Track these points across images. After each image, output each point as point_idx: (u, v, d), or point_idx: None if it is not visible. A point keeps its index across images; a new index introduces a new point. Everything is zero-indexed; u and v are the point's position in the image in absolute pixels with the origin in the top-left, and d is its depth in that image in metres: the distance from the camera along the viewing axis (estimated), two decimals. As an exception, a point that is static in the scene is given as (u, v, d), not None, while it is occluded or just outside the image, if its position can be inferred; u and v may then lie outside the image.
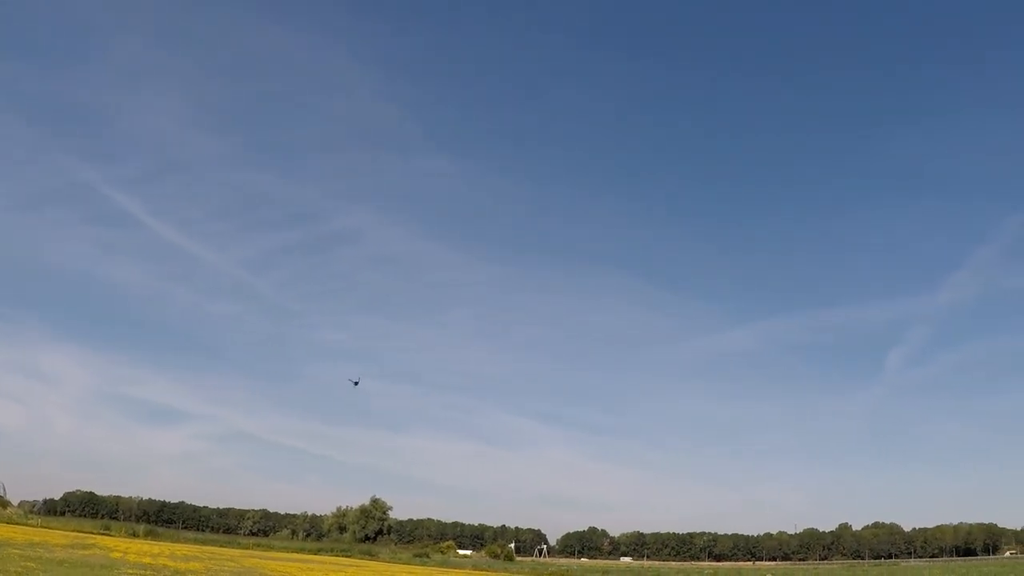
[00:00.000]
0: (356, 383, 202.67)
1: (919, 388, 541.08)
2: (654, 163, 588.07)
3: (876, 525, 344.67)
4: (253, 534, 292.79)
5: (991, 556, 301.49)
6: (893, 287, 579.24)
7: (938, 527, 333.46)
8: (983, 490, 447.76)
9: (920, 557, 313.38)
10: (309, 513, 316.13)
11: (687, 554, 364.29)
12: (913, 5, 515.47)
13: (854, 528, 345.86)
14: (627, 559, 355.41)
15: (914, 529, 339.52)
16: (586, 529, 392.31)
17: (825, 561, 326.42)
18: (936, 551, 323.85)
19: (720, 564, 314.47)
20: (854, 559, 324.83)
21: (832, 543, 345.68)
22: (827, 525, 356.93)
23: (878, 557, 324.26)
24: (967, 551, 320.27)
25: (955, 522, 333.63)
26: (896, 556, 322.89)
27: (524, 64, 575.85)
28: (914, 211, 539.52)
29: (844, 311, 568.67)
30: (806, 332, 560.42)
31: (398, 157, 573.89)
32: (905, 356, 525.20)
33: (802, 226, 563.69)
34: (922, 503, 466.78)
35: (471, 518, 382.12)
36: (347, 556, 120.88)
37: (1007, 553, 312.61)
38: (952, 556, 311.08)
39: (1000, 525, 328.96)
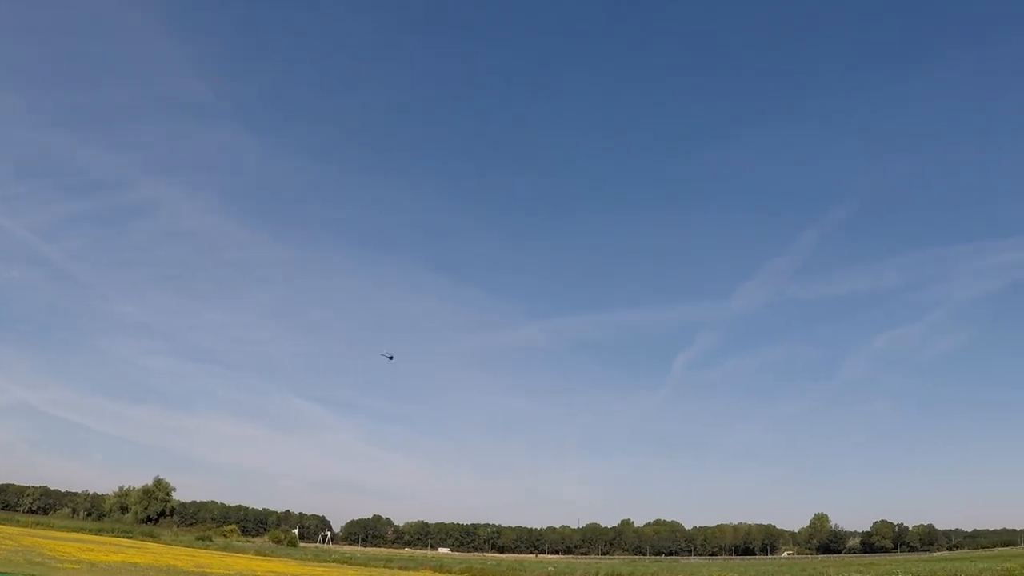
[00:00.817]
0: (391, 358, 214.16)
1: (705, 391, 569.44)
2: (455, 155, 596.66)
3: (658, 522, 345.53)
4: (32, 512, 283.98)
5: (769, 556, 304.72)
6: (687, 292, 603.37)
7: (718, 526, 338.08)
8: (762, 492, 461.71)
9: (700, 555, 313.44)
10: (91, 492, 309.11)
11: (471, 545, 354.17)
12: (724, 19, 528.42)
13: (636, 525, 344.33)
14: (409, 549, 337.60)
15: (695, 527, 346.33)
16: (371, 517, 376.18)
17: (607, 556, 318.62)
18: (715, 550, 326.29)
19: (503, 556, 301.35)
20: (635, 555, 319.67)
21: (614, 539, 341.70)
22: (610, 521, 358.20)
23: (659, 554, 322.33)
24: (746, 550, 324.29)
25: (735, 522, 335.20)
26: (676, 553, 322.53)
27: (332, 46, 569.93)
28: (714, 220, 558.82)
29: (637, 313, 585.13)
30: (598, 331, 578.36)
31: (202, 132, 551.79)
32: (693, 359, 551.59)
33: (602, 228, 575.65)
34: (703, 502, 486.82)
35: (256, 502, 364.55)
36: (128, 537, 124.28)
37: (784, 554, 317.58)
38: (731, 555, 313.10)
39: (778, 527, 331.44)
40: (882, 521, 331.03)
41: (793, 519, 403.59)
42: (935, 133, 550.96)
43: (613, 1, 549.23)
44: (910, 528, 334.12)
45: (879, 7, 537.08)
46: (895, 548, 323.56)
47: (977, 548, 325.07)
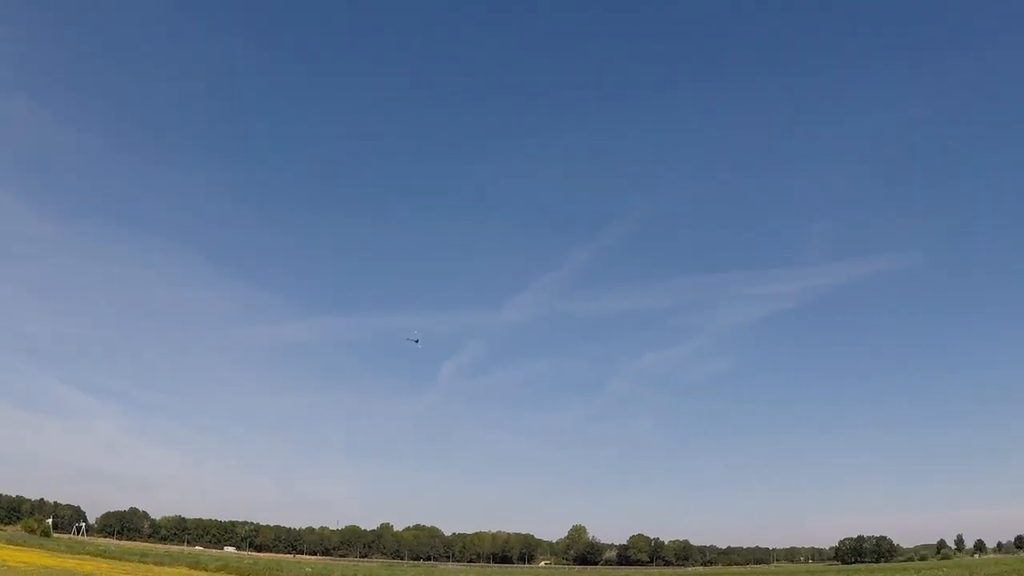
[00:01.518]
0: (416, 341, 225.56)
1: (471, 399, 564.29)
2: (240, 149, 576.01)
3: (417, 527, 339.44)
4: None
5: (526, 565, 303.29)
6: (458, 300, 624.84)
7: (477, 533, 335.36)
8: (523, 501, 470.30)
9: (458, 561, 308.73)
10: None
11: (228, 542, 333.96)
12: (515, 32, 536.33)
13: (396, 529, 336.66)
14: (165, 545, 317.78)
15: (454, 534, 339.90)
16: (127, 510, 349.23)
17: (365, 559, 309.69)
18: (474, 556, 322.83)
19: (261, 555, 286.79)
20: (394, 559, 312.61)
21: (373, 542, 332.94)
22: (369, 524, 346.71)
23: (417, 559, 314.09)
24: (504, 559, 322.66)
25: (494, 530, 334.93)
26: (435, 559, 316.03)
27: (122, 23, 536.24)
28: (491, 232, 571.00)
29: (407, 317, 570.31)
30: (367, 333, 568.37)
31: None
32: (461, 367, 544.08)
33: (380, 232, 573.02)
34: (464, 509, 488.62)
35: (8, 489, 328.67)
36: None
37: (542, 563, 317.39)
38: (489, 563, 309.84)
39: (537, 536, 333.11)
40: (639, 535, 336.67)
41: (552, 530, 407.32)
42: (710, 163, 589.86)
43: (405, 7, 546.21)
44: (666, 543, 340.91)
45: (665, 34, 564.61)
46: (651, 562, 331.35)
47: (731, 564, 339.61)
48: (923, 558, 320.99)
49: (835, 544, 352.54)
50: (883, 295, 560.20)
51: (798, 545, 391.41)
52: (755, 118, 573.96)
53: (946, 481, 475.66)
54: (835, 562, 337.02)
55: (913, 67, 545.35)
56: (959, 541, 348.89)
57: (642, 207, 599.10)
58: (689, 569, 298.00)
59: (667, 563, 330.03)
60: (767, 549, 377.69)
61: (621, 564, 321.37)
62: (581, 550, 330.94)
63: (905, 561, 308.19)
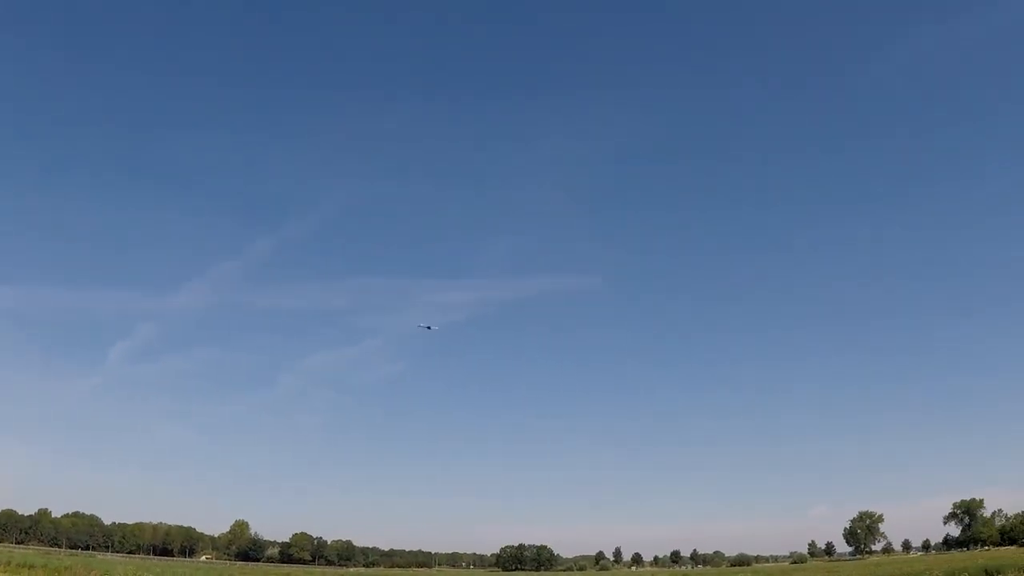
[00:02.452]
0: (429, 328, 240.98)
1: (137, 385, 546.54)
2: None
3: (76, 515, 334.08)
4: None
5: (187, 559, 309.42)
6: (132, 280, 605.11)
7: (137, 524, 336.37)
8: (186, 493, 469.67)
9: (118, 552, 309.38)
10: None
11: None
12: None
13: (54, 515, 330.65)
14: None
15: (114, 523, 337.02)
16: None
17: (21, 545, 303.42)
18: (134, 548, 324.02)
19: None
20: (52, 547, 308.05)
21: (30, 528, 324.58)
22: (27, 509, 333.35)
23: (76, 547, 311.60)
24: (164, 551, 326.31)
25: (155, 521, 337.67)
26: (94, 548, 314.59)
27: None
28: (171, 215, 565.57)
29: (74, 292, 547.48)
30: (30, 305, 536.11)
31: None
32: (129, 351, 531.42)
33: (45, 203, 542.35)
34: (126, 499, 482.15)
35: None
36: None
37: (203, 557, 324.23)
38: (149, 555, 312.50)
39: (199, 530, 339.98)
40: (302, 533, 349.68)
41: (215, 524, 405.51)
42: (403, 168, 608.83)
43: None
44: (329, 542, 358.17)
45: (372, 40, 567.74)
46: (313, 560, 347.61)
47: (393, 567, 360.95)
48: (582, 568, 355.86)
49: (497, 551, 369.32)
50: (558, 312, 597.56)
51: (461, 550, 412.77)
52: (454, 131, 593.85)
53: (608, 496, 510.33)
54: (496, 569, 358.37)
55: (615, 97, 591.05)
56: (617, 553, 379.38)
57: (328, 205, 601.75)
58: (351, 570, 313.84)
59: (329, 563, 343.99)
60: (430, 553, 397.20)
61: (283, 562, 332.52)
62: (244, 546, 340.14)
63: (564, 571, 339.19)
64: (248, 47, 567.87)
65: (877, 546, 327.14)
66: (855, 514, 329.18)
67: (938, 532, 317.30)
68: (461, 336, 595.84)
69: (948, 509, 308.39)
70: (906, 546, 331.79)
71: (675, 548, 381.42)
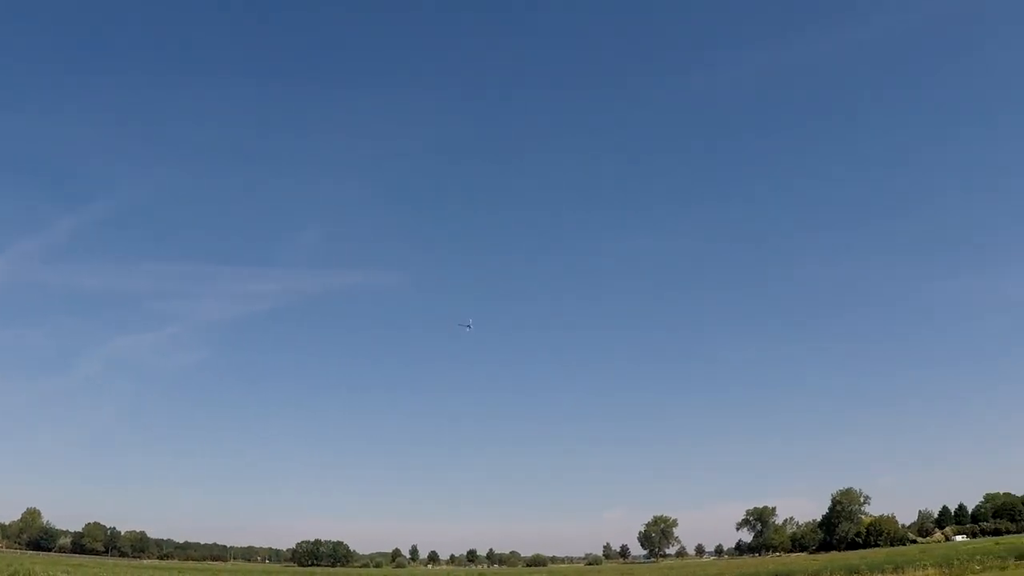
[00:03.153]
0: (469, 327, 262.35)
1: None
2: None
3: None
4: None
5: None
6: None
7: None
8: None
9: None
10: None
11: None
12: None
13: None
14: None
15: None
16: None
17: None
18: None
19: None
20: None
21: None
22: None
23: None
24: None
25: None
26: None
27: None
28: None
29: None
30: None
31: None
32: None
33: None
34: None
35: None
36: None
37: None
38: None
39: None
40: (95, 523, 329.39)
41: (5, 512, 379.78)
42: (211, 155, 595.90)
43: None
44: (123, 533, 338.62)
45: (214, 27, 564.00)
46: (106, 551, 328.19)
47: (187, 559, 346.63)
48: (378, 565, 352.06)
49: (293, 546, 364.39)
50: (360, 307, 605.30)
51: (257, 544, 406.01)
52: (269, 118, 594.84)
53: (407, 494, 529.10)
54: (292, 564, 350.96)
55: (432, 94, 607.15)
56: (414, 551, 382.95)
57: (133, 187, 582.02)
58: (145, 561, 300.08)
59: (123, 554, 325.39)
60: (225, 547, 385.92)
61: (76, 552, 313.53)
62: (35, 535, 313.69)
63: (360, 567, 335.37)
64: (55, 23, 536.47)
65: (671, 550, 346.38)
66: (650, 518, 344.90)
67: (731, 537, 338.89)
68: (266, 326, 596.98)
69: (741, 516, 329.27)
70: (699, 550, 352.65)
71: (471, 547, 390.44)
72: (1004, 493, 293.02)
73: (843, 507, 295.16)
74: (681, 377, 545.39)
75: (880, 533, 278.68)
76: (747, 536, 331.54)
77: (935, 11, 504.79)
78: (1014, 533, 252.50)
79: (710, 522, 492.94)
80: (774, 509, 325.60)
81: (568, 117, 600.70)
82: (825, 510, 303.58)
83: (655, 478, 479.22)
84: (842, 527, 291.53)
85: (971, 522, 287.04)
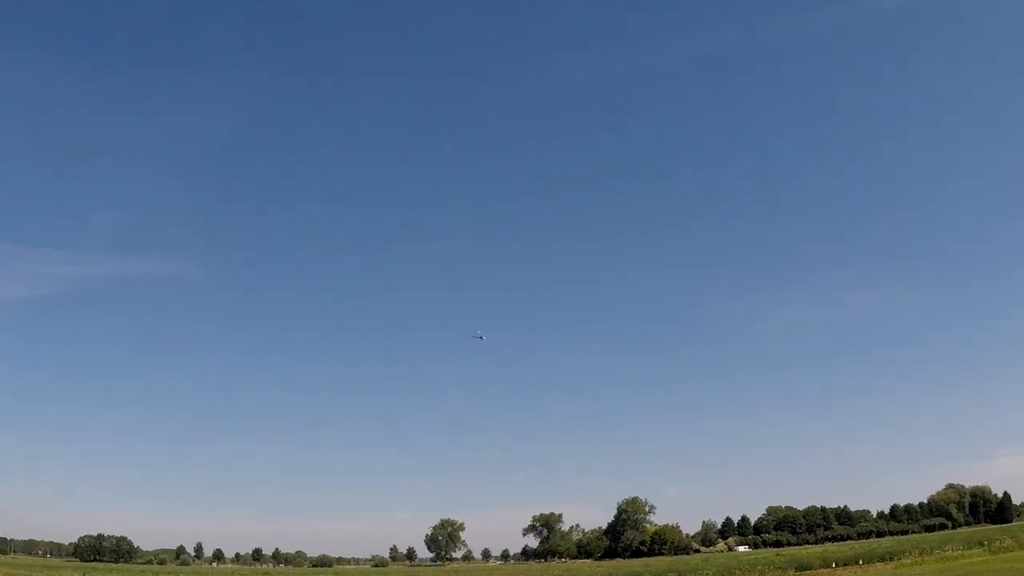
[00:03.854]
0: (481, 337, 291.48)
1: None
2: None
3: None
4: None
5: None
6: None
7: None
8: None
9: None
10: None
11: None
12: None
13: None
14: None
15: None
16: None
17: None
18: None
19: None
20: None
21: None
22: None
23: None
24: None
25: None
26: None
27: None
28: None
29: None
30: None
31: None
32: None
33: None
34: None
35: None
36: None
37: None
38: None
39: None
40: None
41: None
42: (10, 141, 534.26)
43: None
44: None
45: None
46: None
47: None
48: (162, 562, 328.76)
49: (75, 540, 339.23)
50: (154, 295, 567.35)
51: (38, 538, 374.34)
52: (69, 96, 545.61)
53: (191, 489, 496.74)
54: (74, 558, 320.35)
55: (234, 78, 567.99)
56: (198, 548, 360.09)
57: None
58: None
59: None
60: (5, 539, 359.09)
61: None
62: None
63: (144, 564, 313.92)
64: None
65: (458, 553, 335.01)
66: (437, 521, 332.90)
67: (518, 543, 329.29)
68: (57, 310, 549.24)
69: (528, 521, 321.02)
70: (486, 554, 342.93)
71: (257, 546, 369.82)
72: (786, 507, 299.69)
73: (628, 515, 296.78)
74: (471, 381, 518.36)
75: (664, 542, 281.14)
76: (534, 542, 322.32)
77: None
78: (795, 545, 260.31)
79: (498, 526, 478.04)
80: (560, 516, 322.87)
81: (379, 112, 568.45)
82: (611, 518, 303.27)
83: (444, 481, 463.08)
84: (627, 535, 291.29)
85: (753, 533, 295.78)
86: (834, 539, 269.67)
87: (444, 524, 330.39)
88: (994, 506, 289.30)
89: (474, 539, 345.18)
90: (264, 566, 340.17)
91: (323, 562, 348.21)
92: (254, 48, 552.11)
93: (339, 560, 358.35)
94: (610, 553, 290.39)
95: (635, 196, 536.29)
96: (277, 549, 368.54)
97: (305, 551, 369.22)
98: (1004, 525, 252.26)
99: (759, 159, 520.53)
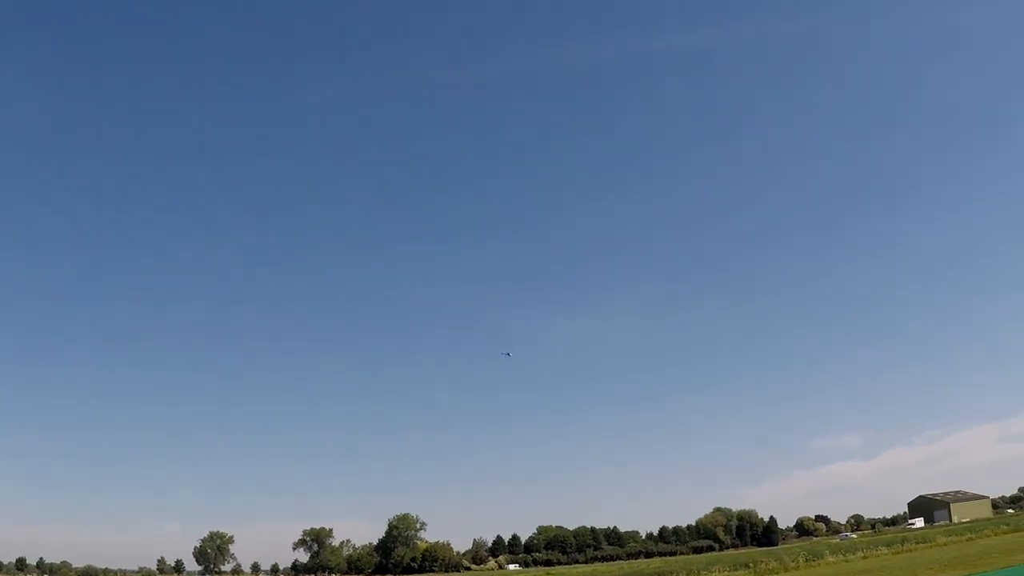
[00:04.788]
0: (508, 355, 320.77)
1: None
2: None
3: None
4: None
5: None
6: None
7: None
8: None
9: None
10: None
11: None
12: None
13: None
14: None
15: None
16: None
17: None
18: None
19: None
20: None
21: None
22: None
23: None
24: None
25: None
26: None
27: None
28: None
29: None
30: None
31: None
32: None
33: None
34: None
35: None
36: None
37: None
38: None
39: None
40: None
41: None
42: None
43: None
44: None
45: None
46: None
47: None
48: None
49: None
50: None
51: None
52: None
53: None
54: None
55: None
56: None
57: None
58: None
59: None
60: None
61: None
62: None
63: None
64: None
65: (227, 567, 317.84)
66: (206, 533, 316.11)
67: (289, 557, 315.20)
68: None
69: (299, 535, 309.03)
70: (255, 568, 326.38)
71: (20, 554, 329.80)
72: (556, 526, 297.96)
73: (400, 532, 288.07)
74: (242, 390, 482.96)
75: (436, 559, 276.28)
76: (304, 556, 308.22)
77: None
78: (565, 564, 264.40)
79: (269, 540, 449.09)
80: (331, 530, 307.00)
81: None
82: (383, 534, 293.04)
83: (215, 492, 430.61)
84: (398, 551, 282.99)
85: (524, 552, 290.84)
86: (604, 559, 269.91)
87: (213, 537, 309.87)
88: (760, 529, 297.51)
89: (244, 552, 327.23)
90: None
91: (89, 572, 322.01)
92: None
93: (105, 571, 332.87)
94: (381, 569, 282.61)
95: (423, 208, 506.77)
96: (41, 558, 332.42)
97: (71, 561, 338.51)
98: (770, 548, 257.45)
99: (532, 187, 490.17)
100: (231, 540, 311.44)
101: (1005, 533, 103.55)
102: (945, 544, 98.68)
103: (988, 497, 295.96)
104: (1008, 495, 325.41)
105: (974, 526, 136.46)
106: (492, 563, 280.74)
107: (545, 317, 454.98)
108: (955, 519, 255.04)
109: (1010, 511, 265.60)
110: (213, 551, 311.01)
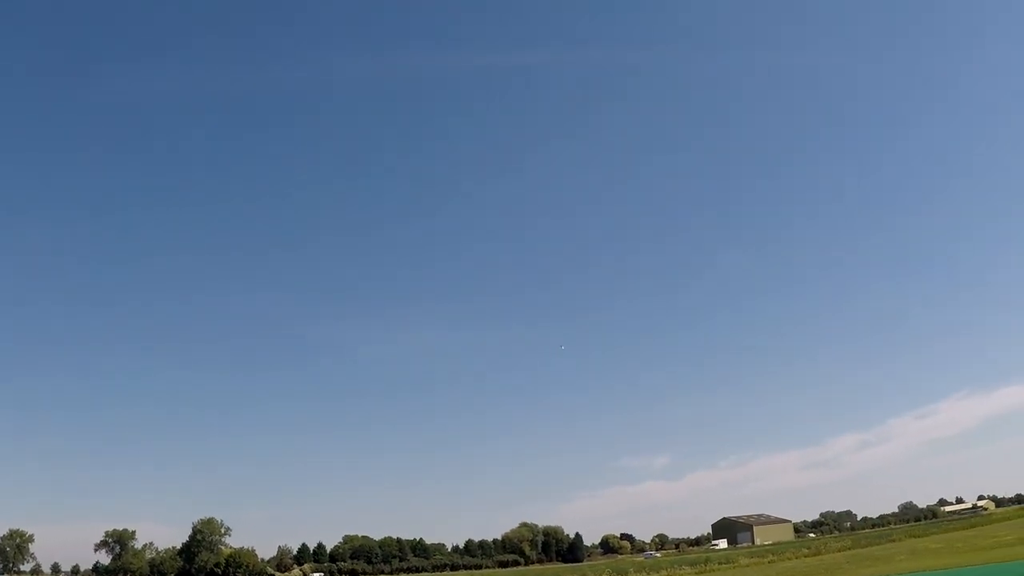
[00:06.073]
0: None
1: None
2: None
3: None
4: None
5: None
6: None
7: None
8: None
9: None
10: None
11: None
12: None
13: None
14: None
15: None
16: None
17: None
18: None
19: None
20: None
21: None
22: None
23: None
24: None
25: None
26: None
27: None
28: None
29: None
30: None
31: None
32: None
33: None
34: None
35: None
36: None
37: None
38: None
39: None
40: None
41: None
42: None
43: None
44: None
45: None
46: None
47: None
48: None
49: None
50: None
51: None
52: None
53: None
54: None
55: None
56: None
57: None
58: None
59: None
60: None
61: None
62: None
63: None
64: None
65: (27, 566, 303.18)
66: (6, 531, 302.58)
67: (91, 558, 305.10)
68: None
69: (100, 536, 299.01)
70: (56, 569, 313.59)
71: None
72: (362, 536, 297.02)
73: (204, 536, 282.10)
74: (57, 385, 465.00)
75: (239, 565, 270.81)
76: (105, 558, 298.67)
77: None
78: (370, 574, 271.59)
79: (72, 539, 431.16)
80: (134, 532, 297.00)
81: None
82: (187, 538, 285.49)
83: (11, 490, 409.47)
84: (202, 556, 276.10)
85: (329, 561, 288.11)
86: (409, 571, 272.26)
87: (12, 535, 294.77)
88: (566, 546, 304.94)
89: (45, 552, 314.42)
90: None
91: None
92: None
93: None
94: (183, 574, 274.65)
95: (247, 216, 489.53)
96: None
97: None
98: (575, 564, 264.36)
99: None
100: (31, 539, 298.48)
101: (807, 556, 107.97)
102: (747, 565, 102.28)
103: (790, 521, 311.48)
104: (810, 519, 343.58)
105: (776, 548, 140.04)
106: (296, 571, 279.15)
107: (354, 329, 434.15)
108: (758, 541, 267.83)
109: (812, 535, 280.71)
110: (12, 550, 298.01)
